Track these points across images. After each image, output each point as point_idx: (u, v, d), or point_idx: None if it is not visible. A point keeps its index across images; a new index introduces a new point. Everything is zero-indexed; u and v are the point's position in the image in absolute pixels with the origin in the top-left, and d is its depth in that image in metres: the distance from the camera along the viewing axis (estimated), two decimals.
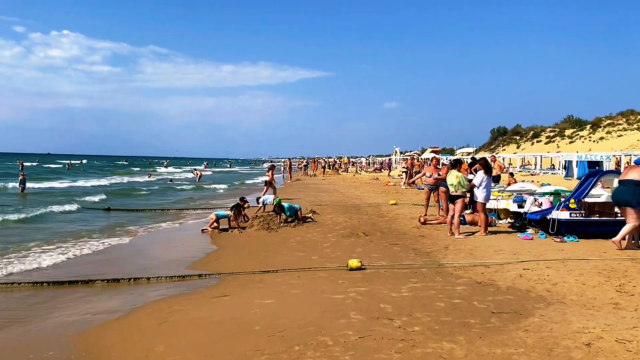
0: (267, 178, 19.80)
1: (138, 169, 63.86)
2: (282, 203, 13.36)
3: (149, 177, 42.27)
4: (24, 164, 47.63)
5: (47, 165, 71.33)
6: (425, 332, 4.97)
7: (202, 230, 12.89)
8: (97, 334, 5.47)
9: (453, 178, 10.88)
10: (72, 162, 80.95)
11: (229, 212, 13.22)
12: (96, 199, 22.67)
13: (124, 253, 10.54)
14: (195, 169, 54.16)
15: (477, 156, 28.11)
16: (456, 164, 11.59)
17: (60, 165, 72.54)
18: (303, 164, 46.05)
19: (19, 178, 26.77)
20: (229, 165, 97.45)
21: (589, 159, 31.55)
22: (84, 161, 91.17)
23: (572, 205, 10.21)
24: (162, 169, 67.81)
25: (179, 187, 32.76)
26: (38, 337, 5.49)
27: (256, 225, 12.99)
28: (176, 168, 73.79)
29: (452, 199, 11.06)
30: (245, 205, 14.10)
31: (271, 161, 49.98)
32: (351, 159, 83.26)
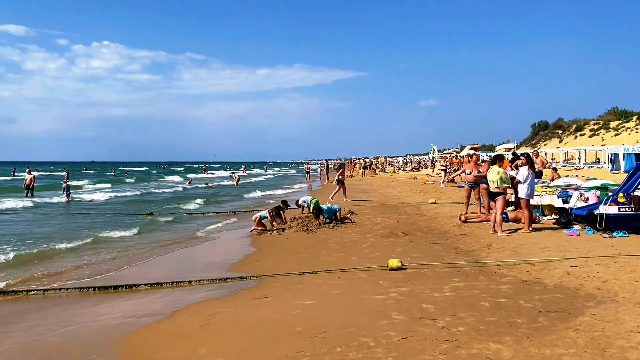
0: (340, 177, 20.29)
1: (177, 176, 65.06)
2: (321, 205, 13.34)
3: (189, 183, 42.88)
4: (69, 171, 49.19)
5: (87, 172, 73.59)
6: (470, 333, 4.84)
7: (251, 230, 12.97)
8: (141, 337, 5.55)
9: (494, 174, 10.63)
10: (123, 169, 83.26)
11: (267, 214, 13.31)
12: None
13: (168, 257, 10.70)
14: (233, 173, 54.86)
15: (519, 152, 27.41)
16: (497, 160, 11.31)
17: (107, 171, 74.82)
18: (337, 165, 45.90)
19: (63, 186, 27.40)
20: (264, 169, 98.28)
21: (637, 152, 30.31)
22: (120, 169, 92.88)
23: (621, 199, 9.81)
24: (202, 174, 68.98)
25: (217, 191, 33.23)
26: (83, 340, 5.61)
27: (295, 227, 13.01)
28: (214, 172, 74.87)
29: (493, 195, 10.81)
30: (285, 208, 14.16)
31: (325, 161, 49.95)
32: (388, 159, 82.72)
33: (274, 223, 13.07)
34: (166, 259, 10.43)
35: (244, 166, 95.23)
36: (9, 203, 23.16)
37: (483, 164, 14.70)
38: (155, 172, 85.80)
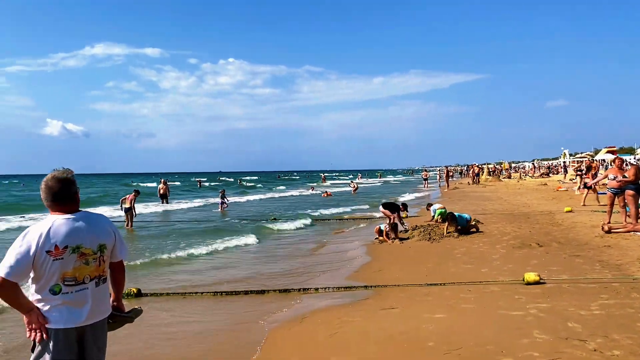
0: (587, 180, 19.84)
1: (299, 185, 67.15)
2: (455, 213, 12.87)
3: (311, 190, 44.00)
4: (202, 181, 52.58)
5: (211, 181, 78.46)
6: (628, 358, 4.30)
7: (374, 239, 12.90)
8: (273, 343, 5.64)
9: None
10: (245, 179, 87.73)
11: (385, 222, 13.11)
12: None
13: (287, 263, 10.96)
14: (352, 181, 55.32)
15: None
16: None
17: (232, 180, 79.42)
18: (445, 172, 44.07)
19: (220, 195, 27.26)
20: (378, 176, 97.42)
21: None
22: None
23: None
24: (321, 183, 70.46)
25: (336, 199, 33.67)
26: (216, 347, 5.85)
27: (417, 236, 12.70)
28: (333, 181, 76.12)
29: None
30: (404, 215, 13.89)
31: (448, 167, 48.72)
32: (512, 164, 78.32)
33: (390, 232, 12.81)
34: (287, 265, 10.64)
35: (359, 174, 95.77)
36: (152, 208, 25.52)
37: (628, 167, 13.26)
38: (275, 180, 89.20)
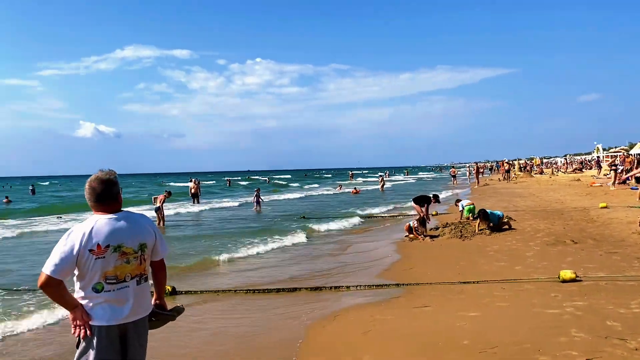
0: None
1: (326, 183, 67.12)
2: (487, 210, 12.69)
3: (339, 189, 43.73)
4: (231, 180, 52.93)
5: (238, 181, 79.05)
6: None
7: (404, 237, 12.80)
8: (311, 341, 5.66)
9: None
10: (274, 177, 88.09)
11: (415, 220, 12.99)
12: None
13: (317, 262, 10.98)
14: (381, 176, 55.04)
15: None
16: None
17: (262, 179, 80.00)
18: (475, 168, 43.27)
19: (255, 194, 26.84)
20: (405, 173, 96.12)
21: None
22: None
23: None
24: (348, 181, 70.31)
25: (364, 196, 33.58)
26: (254, 345, 5.91)
27: (448, 234, 12.58)
28: (359, 179, 75.83)
29: None
30: (434, 213, 13.75)
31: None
32: (544, 160, 76.86)
33: (419, 227, 12.69)
34: (318, 264, 10.65)
35: (387, 171, 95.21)
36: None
37: None
38: (304, 178, 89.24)
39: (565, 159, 79.54)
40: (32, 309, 7.30)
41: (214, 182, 77.71)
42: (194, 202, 29.99)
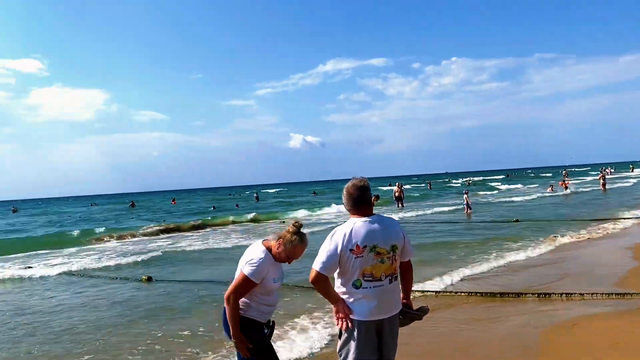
0: None
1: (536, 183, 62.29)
2: None
3: (550, 190, 39.65)
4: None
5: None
6: None
7: None
8: (550, 350, 5.39)
9: None
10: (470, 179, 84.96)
11: None
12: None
13: (542, 268, 10.26)
14: (604, 170, 48.91)
15: None
16: None
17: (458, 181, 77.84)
18: None
19: (465, 202, 25.29)
20: (631, 169, 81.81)
21: None
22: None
23: None
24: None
25: (581, 198, 30.34)
26: (494, 350, 5.81)
27: None
28: (575, 179, 68.48)
29: None
30: None
31: None
32: None
33: None
34: (538, 269, 9.95)
35: (609, 168, 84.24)
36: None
37: None
38: (508, 179, 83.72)
39: None
40: None
41: (411, 185, 76.51)
42: (398, 206, 30.54)
